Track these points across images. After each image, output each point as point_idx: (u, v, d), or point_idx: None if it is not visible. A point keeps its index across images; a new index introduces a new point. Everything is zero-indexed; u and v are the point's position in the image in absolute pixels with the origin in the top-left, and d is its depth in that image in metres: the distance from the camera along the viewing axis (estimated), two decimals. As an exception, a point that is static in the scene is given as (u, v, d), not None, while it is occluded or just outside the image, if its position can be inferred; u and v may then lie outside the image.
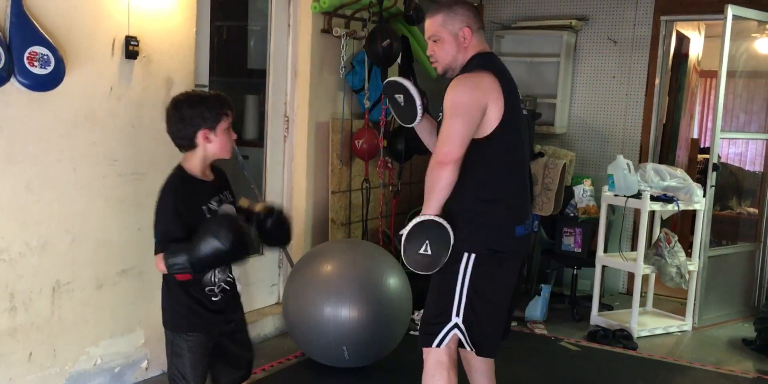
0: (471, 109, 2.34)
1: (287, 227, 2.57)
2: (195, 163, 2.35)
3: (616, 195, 4.48)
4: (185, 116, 2.28)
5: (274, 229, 2.50)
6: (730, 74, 4.73)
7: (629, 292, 4.94)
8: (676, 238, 4.42)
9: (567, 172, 4.87)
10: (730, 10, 4.49)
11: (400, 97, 2.59)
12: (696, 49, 6.40)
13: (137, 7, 3.10)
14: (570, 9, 5.44)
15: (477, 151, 2.38)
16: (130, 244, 3.21)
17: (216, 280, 2.38)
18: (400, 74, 4.74)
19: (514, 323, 4.48)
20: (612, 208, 4.77)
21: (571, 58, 5.42)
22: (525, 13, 5.59)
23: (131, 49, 3.05)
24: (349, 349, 3.41)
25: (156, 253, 2.25)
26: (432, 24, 2.50)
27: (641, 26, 5.22)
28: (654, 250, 4.43)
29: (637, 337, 4.30)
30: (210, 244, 2.14)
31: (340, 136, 4.36)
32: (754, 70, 5.32)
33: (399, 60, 4.54)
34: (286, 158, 4.25)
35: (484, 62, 2.45)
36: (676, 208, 4.38)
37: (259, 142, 4.28)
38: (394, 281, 3.55)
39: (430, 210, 2.37)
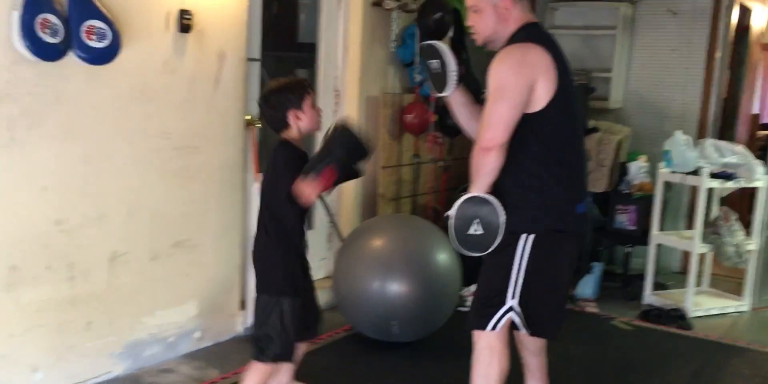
0: (517, 90, 2.22)
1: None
2: (293, 138, 2.60)
3: (673, 172, 4.36)
4: (274, 102, 2.57)
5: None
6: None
7: (684, 272, 4.82)
8: (736, 216, 4.30)
9: (622, 148, 4.75)
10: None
11: (434, 63, 2.49)
12: (759, 22, 6.14)
13: (190, -20, 3.10)
14: (629, -20, 5.26)
15: (529, 127, 2.27)
16: (183, 216, 3.25)
17: (306, 245, 2.67)
18: (452, 48, 4.66)
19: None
20: (668, 186, 4.65)
21: (628, 31, 5.26)
22: (581, -15, 5.44)
23: (185, 22, 3.06)
24: (398, 323, 3.42)
25: (295, 188, 2.43)
26: None
27: (702, -3, 5.03)
28: (711, 229, 4.32)
29: (693, 317, 4.21)
30: (352, 145, 2.45)
31: (390, 110, 4.33)
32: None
33: (451, 33, 4.48)
34: (337, 133, 4.24)
35: (531, 33, 2.33)
36: (736, 186, 4.25)
37: (310, 116, 4.26)
38: (444, 257, 3.53)
39: (477, 189, 2.29)
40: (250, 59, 3.54)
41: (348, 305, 3.58)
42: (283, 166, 2.52)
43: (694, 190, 4.71)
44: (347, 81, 4.20)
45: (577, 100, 2.40)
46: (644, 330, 4.04)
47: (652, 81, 5.26)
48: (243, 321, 3.59)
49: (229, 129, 3.41)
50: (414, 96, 4.42)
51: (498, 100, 2.23)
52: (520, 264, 2.33)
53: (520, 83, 2.22)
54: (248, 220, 3.57)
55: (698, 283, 4.54)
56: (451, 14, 4.30)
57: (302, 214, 2.58)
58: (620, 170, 4.71)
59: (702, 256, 4.46)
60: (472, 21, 2.42)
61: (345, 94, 4.21)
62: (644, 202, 4.60)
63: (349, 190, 4.24)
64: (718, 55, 5.02)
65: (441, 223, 4.47)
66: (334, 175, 2.43)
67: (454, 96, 2.53)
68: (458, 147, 4.89)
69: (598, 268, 4.54)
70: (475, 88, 4.51)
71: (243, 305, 3.60)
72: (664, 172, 4.41)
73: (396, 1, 4.25)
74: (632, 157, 4.82)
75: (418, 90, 4.40)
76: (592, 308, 4.35)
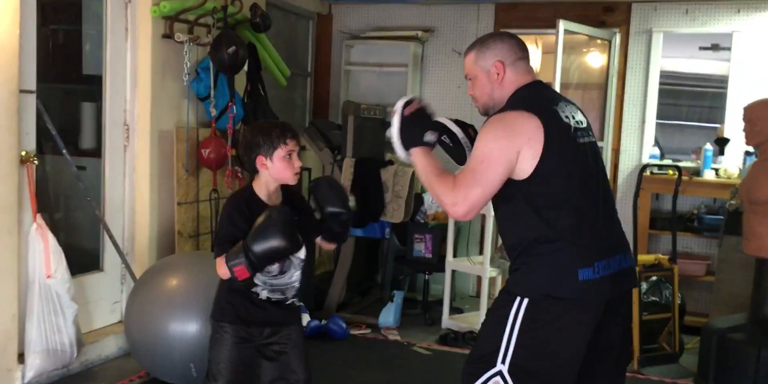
0: (499, 161, 2.11)
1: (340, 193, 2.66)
2: (260, 185, 2.52)
3: (462, 201, 4.61)
4: (247, 142, 2.50)
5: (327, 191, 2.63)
6: (564, 86, 5.03)
7: (478, 295, 5.10)
8: (520, 241, 4.61)
9: (417, 180, 4.96)
10: (562, 25, 4.77)
11: (446, 138, 2.38)
12: (534, 63, 6.75)
13: (-51, 5, 2.84)
14: (417, 21, 5.58)
15: (520, 192, 2.16)
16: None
17: (265, 289, 2.51)
18: (248, 82, 4.66)
19: (368, 331, 4.52)
20: (460, 214, 4.90)
21: (419, 68, 5.56)
22: (374, 24, 5.69)
23: (-58, 50, 2.79)
24: (197, 366, 3.28)
25: (216, 257, 2.43)
26: (466, 62, 2.32)
27: (483, 39, 5.43)
28: (499, 253, 4.61)
29: (486, 338, 4.43)
30: (268, 245, 2.30)
31: (185, 145, 4.21)
32: (586, 82, 5.68)
33: (246, 67, 4.47)
34: (127, 168, 4.05)
35: (521, 98, 2.23)
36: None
37: (98, 151, 4.04)
38: (243, 293, 3.45)
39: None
40: (24, 91, 3.29)
41: (142, 350, 3.38)
42: (222, 217, 2.54)
43: (483, 217, 5.02)
44: (138, 115, 4.03)
45: (585, 156, 2.23)
46: (443, 353, 4.20)
47: (442, 115, 5.55)
48: (21, 375, 3.26)
49: (0, 166, 3.13)
50: (210, 130, 4.33)
51: (479, 172, 2.12)
52: (512, 329, 2.15)
53: (502, 154, 2.12)
54: (26, 264, 3.28)
55: (490, 305, 4.80)
56: (246, 48, 4.30)
57: None
58: (416, 201, 4.91)
59: (492, 280, 4.74)
60: (470, 90, 2.35)
61: (135, 128, 4.04)
62: (439, 231, 4.83)
63: (143, 227, 4.05)
64: (499, 92, 5.43)
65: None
66: (244, 273, 2.34)
67: None
68: (258, 181, 4.85)
69: (398, 296, 4.68)
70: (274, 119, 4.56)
71: (22, 358, 3.28)
72: (455, 201, 4.65)
73: (188, 34, 4.17)
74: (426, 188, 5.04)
75: (215, 124, 4.32)
76: (394, 336, 4.46)
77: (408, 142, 2.28)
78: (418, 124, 2.28)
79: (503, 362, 2.16)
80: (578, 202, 2.18)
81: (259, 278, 2.47)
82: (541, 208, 2.15)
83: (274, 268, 2.47)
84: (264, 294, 2.50)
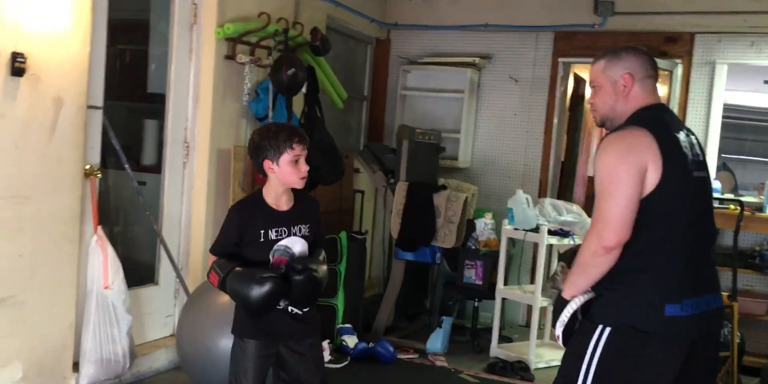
0: (629, 182, 2.04)
1: (309, 289, 2.54)
2: (268, 190, 2.57)
3: (515, 229, 4.57)
4: (254, 145, 2.53)
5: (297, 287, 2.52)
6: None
7: (528, 325, 5.01)
8: (573, 270, 4.53)
9: (469, 206, 4.94)
10: (622, 54, 4.71)
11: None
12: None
13: (26, 24, 2.96)
14: (474, 47, 5.59)
15: None
16: (7, 271, 3.00)
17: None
18: (306, 103, 4.73)
19: (415, 355, 4.47)
20: (512, 242, 4.86)
21: (475, 95, 5.56)
22: (432, 50, 5.72)
23: (17, 66, 2.90)
24: (244, 382, 3.29)
25: (210, 251, 2.64)
26: (593, 70, 2.27)
27: (540, 67, 5.42)
28: (551, 283, 4.51)
29: (535, 369, 4.35)
30: (241, 293, 2.44)
31: (242, 163, 4.27)
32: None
33: (304, 89, 4.54)
34: (185, 185, 4.13)
35: (643, 117, 2.16)
36: (572, 242, 4.50)
37: (158, 168, 4.14)
38: (293, 312, 3.46)
39: (571, 292, 2.14)
40: (91, 107, 3.40)
41: (192, 364, 3.41)
42: (226, 216, 2.60)
43: (535, 246, 4.95)
44: (197, 133, 4.12)
45: (698, 191, 2.18)
46: (490, 382, 4.13)
47: (497, 142, 5.55)
48: (76, 384, 3.33)
49: (64, 178, 3.22)
50: (267, 150, 4.39)
51: (609, 195, 2.06)
52: (592, 356, 2.10)
53: (631, 173, 2.05)
54: (85, 275, 3.36)
55: (540, 336, 4.72)
56: (305, 71, 4.37)
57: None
58: (468, 227, 4.87)
59: (544, 310, 4.65)
60: (591, 98, 2.31)
61: (195, 146, 4.12)
62: (490, 258, 4.77)
63: (198, 242, 4.10)
64: (555, 120, 5.40)
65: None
66: (214, 283, 2.52)
67: None
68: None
69: (447, 322, 4.63)
70: (329, 143, 4.61)
71: (76, 367, 3.34)
72: (508, 228, 4.61)
73: (249, 56, 4.27)
74: (479, 214, 5.01)
75: (272, 144, 4.38)
76: (441, 362, 4.40)
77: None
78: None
79: None
80: (680, 236, 2.11)
81: None
82: (639, 234, 2.07)
83: None
84: (282, 303, 2.53)
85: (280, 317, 2.55)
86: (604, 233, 2.04)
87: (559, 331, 2.19)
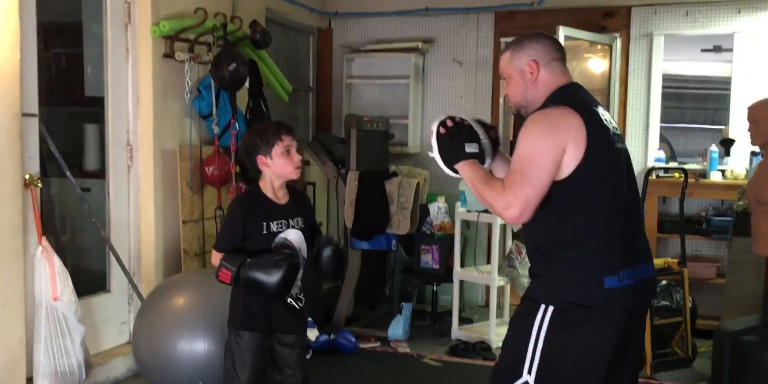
0: (546, 164, 2.06)
1: (339, 259, 2.76)
2: (265, 185, 2.67)
3: (468, 211, 4.60)
4: (246, 146, 2.65)
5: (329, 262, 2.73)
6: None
7: (488, 305, 5.07)
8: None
9: (421, 191, 4.96)
10: (562, 31, 4.76)
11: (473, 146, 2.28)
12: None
13: (-51, 33, 2.87)
14: (417, 32, 5.59)
15: (555, 193, 2.11)
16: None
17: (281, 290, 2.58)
18: (250, 98, 4.68)
19: (377, 344, 4.49)
20: (466, 224, 4.90)
21: (420, 79, 5.57)
22: (374, 37, 5.70)
23: (-57, 77, 2.82)
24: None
25: (214, 248, 2.68)
26: (502, 61, 2.31)
27: (483, 48, 5.45)
28: (507, 262, 4.58)
29: (496, 348, 4.40)
30: (260, 280, 2.50)
31: (189, 163, 4.22)
32: (589, 88, 5.63)
33: (248, 84, 4.49)
34: (132, 189, 4.06)
35: (561, 96, 2.20)
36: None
37: (102, 173, 4.06)
38: (250, 310, 3.44)
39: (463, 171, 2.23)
40: (26, 114, 3.31)
41: (151, 370, 3.38)
42: (228, 212, 2.72)
43: (489, 226, 5.00)
44: (140, 135, 4.05)
45: (620, 161, 2.20)
46: (453, 364, 4.18)
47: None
48: (31, 400, 3.27)
49: (3, 190, 3.14)
50: (213, 148, 4.34)
51: (526, 174, 2.07)
52: (537, 338, 2.11)
53: (549, 155, 2.07)
54: (32, 287, 3.29)
55: (500, 315, 4.78)
56: (247, 65, 4.32)
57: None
58: (421, 212, 4.89)
59: (501, 289, 4.72)
60: (505, 89, 2.34)
61: (139, 148, 4.05)
62: (446, 241, 4.81)
63: (149, 246, 4.05)
64: (501, 100, 5.43)
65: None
66: (226, 279, 2.55)
67: (495, 164, 2.38)
68: (263, 197, 4.85)
69: (407, 308, 4.66)
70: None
71: (30, 382, 3.28)
72: (461, 211, 4.65)
73: (188, 53, 4.20)
74: (432, 198, 5.04)
75: (218, 141, 4.34)
76: (403, 348, 4.43)
77: (451, 160, 2.26)
78: (456, 139, 2.27)
79: (529, 372, 2.13)
80: (609, 209, 2.14)
81: None
82: (570, 212, 2.11)
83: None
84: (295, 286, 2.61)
85: (278, 310, 2.64)
86: (510, 210, 2.07)
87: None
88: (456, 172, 2.27)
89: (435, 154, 2.29)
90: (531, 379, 2.13)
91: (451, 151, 2.26)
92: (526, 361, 2.13)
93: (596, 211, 2.13)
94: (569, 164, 2.09)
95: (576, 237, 2.12)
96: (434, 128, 2.31)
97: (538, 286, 2.17)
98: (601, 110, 2.22)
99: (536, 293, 2.17)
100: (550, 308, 2.11)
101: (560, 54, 2.28)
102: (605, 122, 2.19)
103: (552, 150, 2.08)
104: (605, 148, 2.15)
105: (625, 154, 2.24)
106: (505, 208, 2.07)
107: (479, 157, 2.26)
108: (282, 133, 2.62)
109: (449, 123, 2.29)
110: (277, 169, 2.61)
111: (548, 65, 2.24)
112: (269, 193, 2.67)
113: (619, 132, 2.26)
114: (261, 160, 2.61)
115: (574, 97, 2.21)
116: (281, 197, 2.70)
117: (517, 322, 2.20)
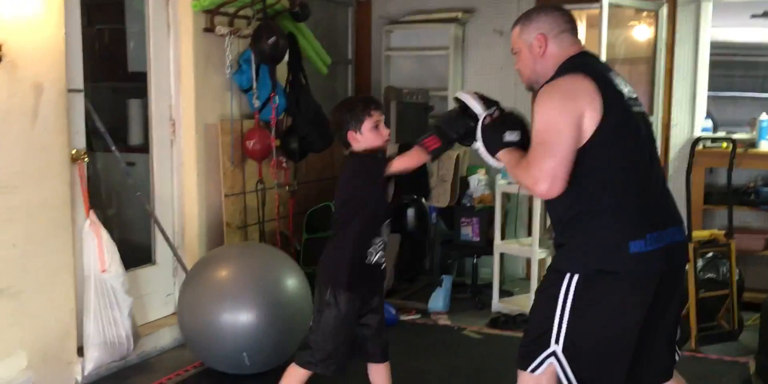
0: (568, 133, 2.04)
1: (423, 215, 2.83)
2: (362, 150, 2.68)
3: (509, 183, 4.56)
4: (335, 121, 2.70)
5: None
6: (611, 61, 4.90)
7: (528, 277, 5.05)
8: (569, 222, 4.54)
9: (461, 163, 4.92)
10: (606, -1, 4.64)
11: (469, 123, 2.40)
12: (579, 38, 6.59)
13: (-5, 11, 2.92)
14: (456, 2, 5.49)
15: (575, 160, 2.08)
16: (3, 262, 3.02)
17: (375, 252, 2.66)
18: (289, 71, 4.67)
19: (418, 316, 4.52)
20: (507, 196, 4.86)
21: (460, 50, 5.49)
22: (413, 7, 5.62)
23: (-8, 54, 2.87)
24: (250, 355, 3.34)
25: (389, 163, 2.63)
26: (512, 36, 2.31)
27: (524, 17, 5.33)
28: (548, 235, 4.54)
29: (537, 321, 4.39)
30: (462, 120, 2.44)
31: (230, 137, 4.26)
32: (633, 57, 5.53)
33: (287, 57, 4.48)
34: (175, 163, 4.12)
35: (572, 65, 2.17)
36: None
37: (146, 147, 4.13)
38: (292, 283, 3.50)
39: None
40: (72, 90, 3.37)
41: (196, 340, 3.46)
42: (350, 176, 2.69)
43: (530, 199, 4.95)
44: (182, 109, 4.09)
45: (639, 125, 2.18)
46: (493, 337, 4.18)
47: (481, 94, 5.48)
48: (81, 368, 3.37)
49: (51, 165, 3.21)
50: (254, 121, 4.37)
51: (549, 146, 2.05)
52: (563, 308, 2.10)
53: (569, 123, 2.05)
54: (81, 260, 3.38)
55: (541, 288, 4.75)
56: (286, 38, 4.31)
57: (372, 222, 2.64)
58: (461, 184, 4.87)
59: (542, 262, 4.68)
60: (516, 64, 2.33)
61: (181, 122, 4.10)
62: (486, 214, 4.78)
63: (192, 220, 4.12)
64: (542, 71, 5.33)
65: (291, 248, 4.47)
66: (436, 143, 2.51)
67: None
68: (303, 171, 4.88)
69: (447, 280, 4.66)
70: (316, 111, 4.57)
71: (81, 352, 3.38)
72: (501, 183, 4.61)
73: (228, 27, 4.20)
74: (472, 170, 5.00)
75: (258, 115, 4.36)
76: (444, 320, 4.45)
77: (492, 149, 2.29)
78: (495, 128, 2.30)
79: (557, 342, 2.12)
80: (631, 174, 2.12)
81: (375, 239, 2.65)
82: (592, 179, 2.09)
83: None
84: (373, 257, 2.65)
85: (372, 271, 2.68)
86: (539, 185, 2.05)
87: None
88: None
89: (479, 144, 2.33)
90: (558, 348, 2.13)
91: (491, 141, 2.29)
92: (553, 331, 2.13)
93: (618, 176, 2.11)
94: (588, 130, 2.07)
95: (596, 203, 2.10)
96: (462, 96, 2.41)
97: (563, 256, 2.17)
98: (613, 75, 2.20)
99: (561, 263, 2.16)
100: (576, 276, 2.09)
101: (570, 25, 2.26)
102: (618, 85, 2.17)
103: (569, 117, 2.06)
104: (622, 112, 2.13)
105: (644, 118, 2.22)
106: (534, 184, 2.07)
107: (520, 144, 2.25)
108: (371, 109, 2.65)
109: (495, 113, 2.34)
110: (367, 143, 2.66)
111: (557, 37, 2.22)
112: None
113: (635, 95, 2.23)
114: (351, 135, 2.65)
115: (584, 64, 2.19)
116: None
117: (543, 293, 2.21)
